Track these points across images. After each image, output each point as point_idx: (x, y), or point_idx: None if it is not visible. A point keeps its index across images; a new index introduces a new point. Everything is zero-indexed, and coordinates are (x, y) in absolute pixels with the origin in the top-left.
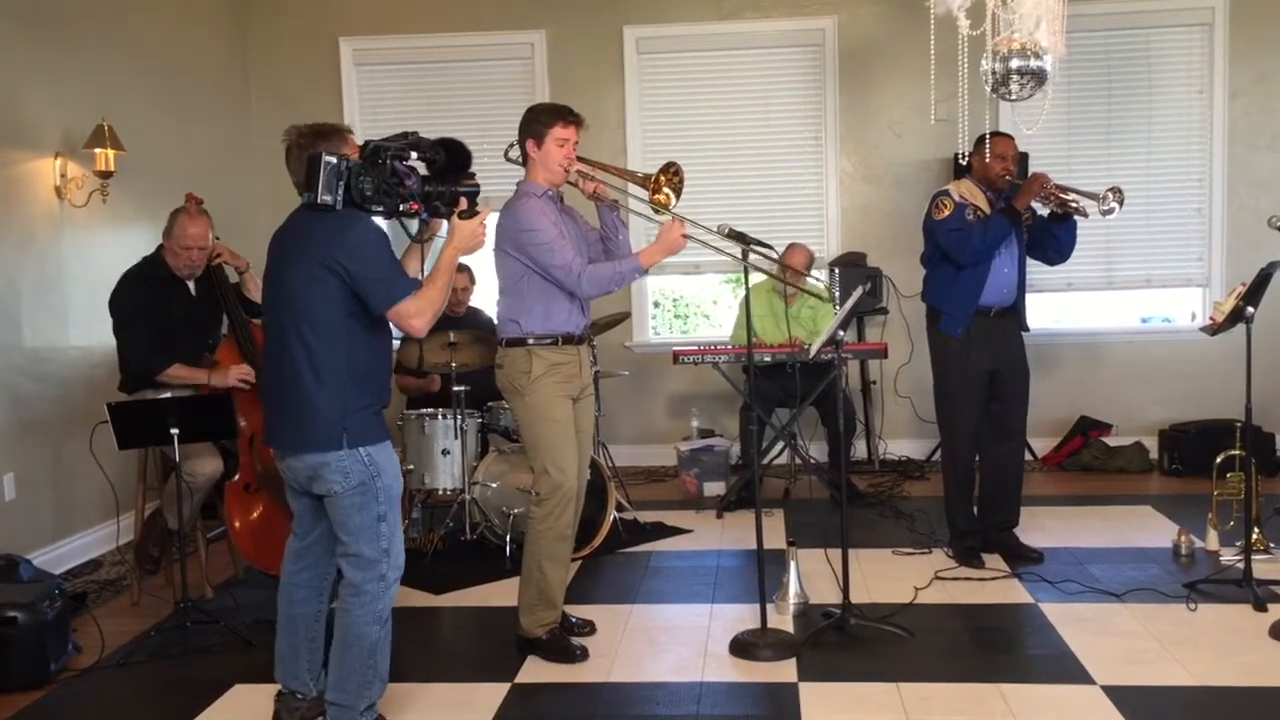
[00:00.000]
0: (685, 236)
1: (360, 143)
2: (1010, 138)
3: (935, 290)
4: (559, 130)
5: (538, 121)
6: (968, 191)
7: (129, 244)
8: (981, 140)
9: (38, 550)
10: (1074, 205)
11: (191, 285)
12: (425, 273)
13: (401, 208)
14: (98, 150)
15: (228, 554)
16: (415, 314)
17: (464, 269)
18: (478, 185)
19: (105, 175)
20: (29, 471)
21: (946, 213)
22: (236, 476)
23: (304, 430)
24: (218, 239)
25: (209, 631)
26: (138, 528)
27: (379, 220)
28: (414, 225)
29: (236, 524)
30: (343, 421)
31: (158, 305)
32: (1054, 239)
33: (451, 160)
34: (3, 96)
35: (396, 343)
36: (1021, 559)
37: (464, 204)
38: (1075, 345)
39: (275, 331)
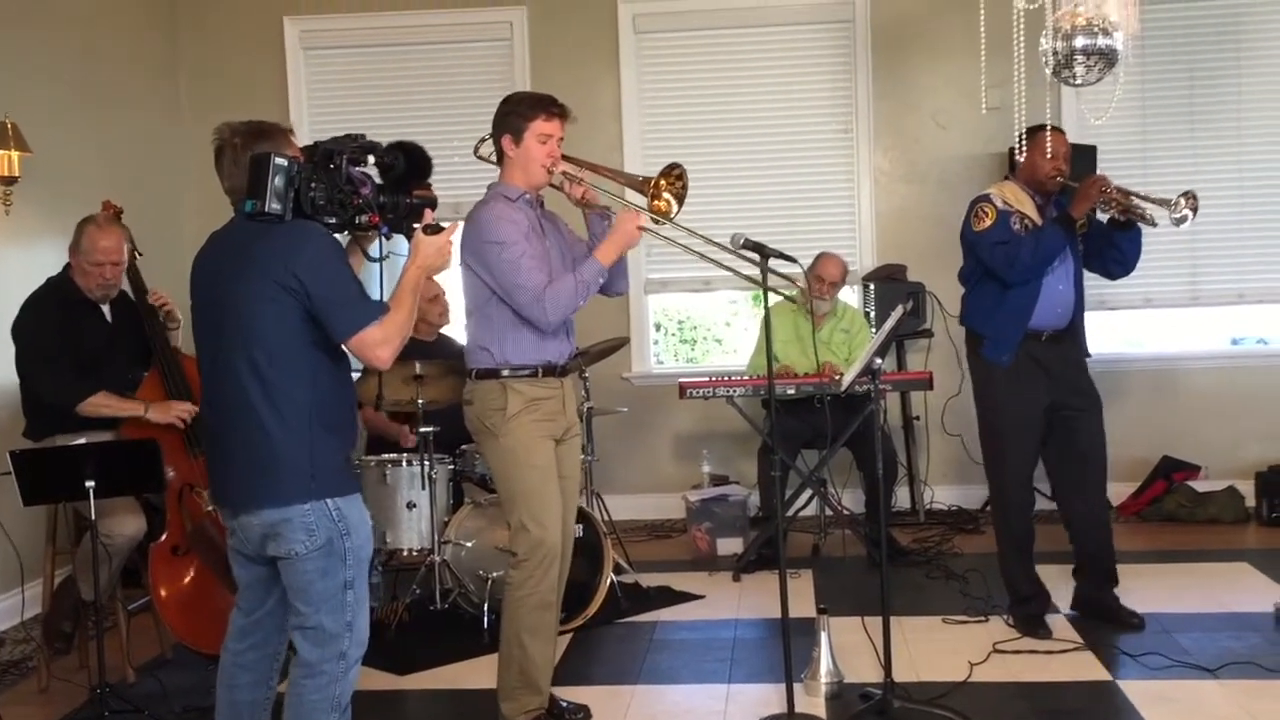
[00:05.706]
0: (641, 229)
1: (301, 145)
2: (1061, 132)
3: (976, 311)
4: (541, 124)
5: (516, 114)
6: (1012, 196)
7: (38, 262)
8: (1027, 135)
9: None
10: (1140, 212)
11: (106, 310)
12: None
13: (359, 220)
14: None
15: (153, 629)
16: (381, 342)
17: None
18: (434, 196)
19: (8, 181)
20: None
21: (988, 223)
22: (163, 537)
23: (264, 480)
24: (137, 251)
25: None
26: (46, 599)
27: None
28: (370, 241)
29: (163, 593)
30: (310, 469)
31: (68, 333)
32: (1115, 249)
33: (411, 167)
34: None
35: (356, 374)
36: (1121, 624)
37: (429, 217)
38: (1154, 372)
39: (219, 366)
